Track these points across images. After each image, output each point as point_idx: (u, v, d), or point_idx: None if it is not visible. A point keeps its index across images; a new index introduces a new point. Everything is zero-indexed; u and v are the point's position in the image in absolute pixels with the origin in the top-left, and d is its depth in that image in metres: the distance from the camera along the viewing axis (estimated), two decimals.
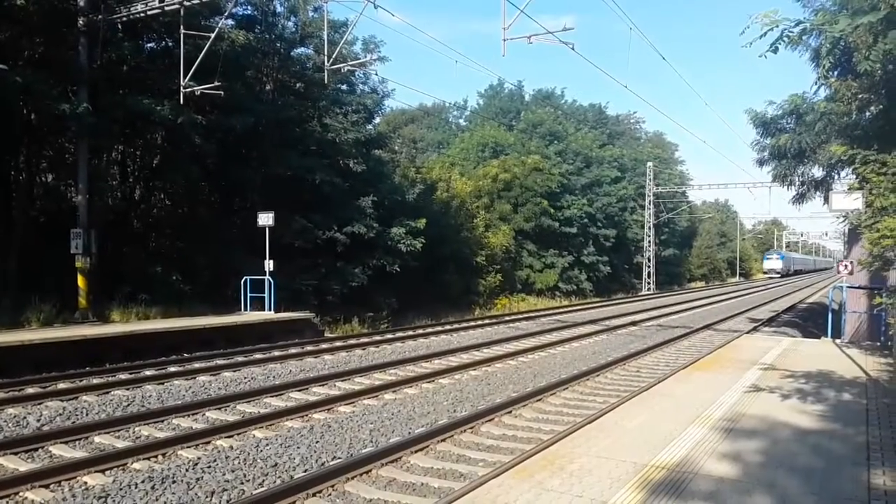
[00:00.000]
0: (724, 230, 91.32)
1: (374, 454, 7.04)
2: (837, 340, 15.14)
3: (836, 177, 19.33)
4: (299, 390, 10.70)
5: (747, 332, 19.74)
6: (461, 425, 8.43)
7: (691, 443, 6.07)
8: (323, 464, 7.04)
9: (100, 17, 16.49)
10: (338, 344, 16.14)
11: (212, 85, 16.70)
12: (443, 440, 7.91)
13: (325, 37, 19.63)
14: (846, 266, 15.13)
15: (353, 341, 16.75)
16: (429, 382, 11.53)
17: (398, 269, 25.17)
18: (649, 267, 51.41)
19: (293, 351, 14.84)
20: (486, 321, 23.34)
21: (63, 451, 7.27)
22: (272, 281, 18.51)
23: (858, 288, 16.20)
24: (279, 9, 25.11)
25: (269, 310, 18.45)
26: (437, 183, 34.66)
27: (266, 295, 18.48)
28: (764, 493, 4.77)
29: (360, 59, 24.62)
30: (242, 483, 6.42)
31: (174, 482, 6.33)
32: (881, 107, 11.42)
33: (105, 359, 12.73)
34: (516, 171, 40.22)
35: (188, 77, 16.65)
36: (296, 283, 21.34)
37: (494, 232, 37.36)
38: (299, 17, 25.75)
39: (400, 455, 7.21)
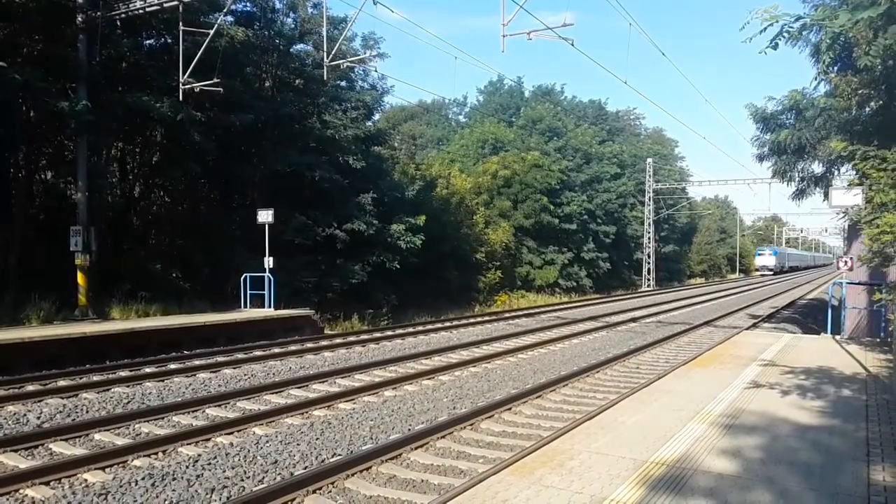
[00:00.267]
0: (723, 226, 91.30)
1: (374, 451, 7.05)
2: (837, 336, 15.15)
3: (836, 172, 19.31)
4: (299, 387, 10.71)
5: (747, 329, 19.74)
6: (461, 422, 8.44)
7: (691, 439, 6.07)
8: (323, 460, 7.05)
9: (98, 13, 16.46)
10: (338, 341, 16.15)
11: (211, 82, 16.69)
12: (443, 437, 7.92)
13: (325, 33, 19.63)
14: (846, 262, 15.13)
15: (352, 338, 16.76)
16: (429, 379, 11.54)
17: (398, 266, 25.16)
18: (649, 263, 51.42)
19: (293, 348, 14.85)
20: (486, 318, 23.35)
21: (63, 449, 7.28)
22: (272, 278, 18.51)
23: (858, 284, 16.20)
24: (278, 5, 25.09)
25: (269, 307, 18.46)
26: (436, 180, 34.62)
27: (266, 292, 18.49)
28: (764, 489, 4.77)
29: (359, 55, 24.60)
30: (243, 480, 6.42)
31: (174, 479, 6.34)
32: (881, 102, 11.40)
33: (105, 356, 12.75)
34: (516, 168, 40.19)
35: (187, 74, 16.63)
36: (296, 280, 21.35)
37: (494, 228, 37.35)
38: (298, 14, 25.71)
39: (400, 452, 7.22)
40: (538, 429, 8.48)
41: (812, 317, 25.91)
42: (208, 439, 7.65)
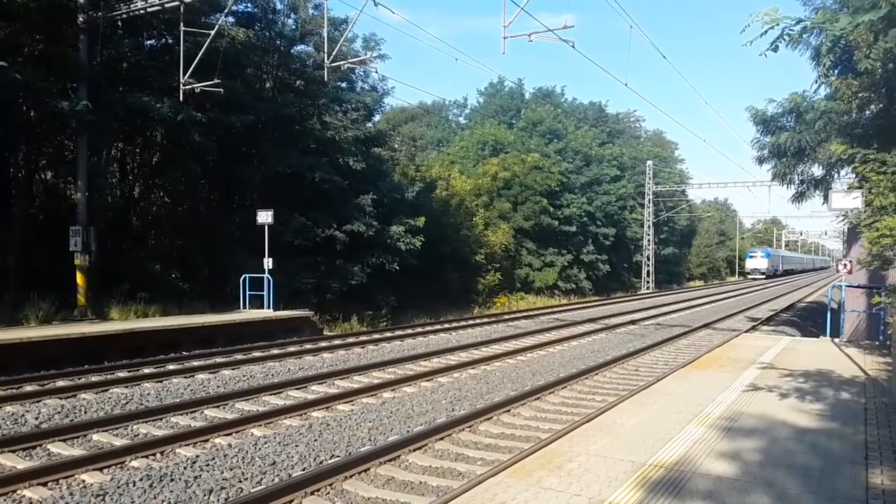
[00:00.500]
0: (723, 229, 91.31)
1: (372, 452, 7.04)
2: (836, 339, 15.15)
3: (836, 175, 19.31)
4: (298, 389, 10.70)
5: (746, 331, 19.73)
6: (460, 424, 8.43)
7: (690, 441, 6.06)
8: (321, 462, 7.04)
9: (100, 14, 16.48)
10: (337, 342, 16.14)
11: (212, 82, 16.69)
12: (441, 439, 7.91)
13: (325, 34, 19.63)
14: (845, 265, 15.13)
15: (352, 340, 16.74)
16: (427, 381, 11.52)
17: (397, 268, 25.17)
18: (648, 266, 51.41)
19: (292, 349, 14.84)
20: (485, 320, 23.33)
21: (61, 449, 7.27)
22: (271, 279, 18.51)
23: (857, 287, 16.21)
24: (279, 6, 25.12)
25: (269, 308, 18.45)
26: (436, 181, 34.64)
27: (265, 293, 18.48)
28: (762, 492, 4.77)
29: (360, 56, 24.63)
30: (241, 481, 6.41)
31: (172, 480, 6.33)
32: (881, 105, 11.41)
33: (104, 356, 12.74)
34: (516, 170, 40.22)
35: (188, 74, 16.64)
36: (295, 281, 21.35)
37: (494, 230, 37.36)
38: (299, 15, 25.75)
39: (398, 453, 7.21)
40: (537, 431, 8.47)
41: (811, 320, 25.91)
42: (207, 440, 7.63)
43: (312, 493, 6.06)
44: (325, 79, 20.84)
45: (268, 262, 18.52)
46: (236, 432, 7.98)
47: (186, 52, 16.73)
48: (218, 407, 9.35)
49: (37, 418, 8.49)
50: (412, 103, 62.28)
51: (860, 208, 11.64)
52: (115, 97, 17.81)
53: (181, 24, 16.48)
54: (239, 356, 13.57)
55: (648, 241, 51.46)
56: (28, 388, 10.12)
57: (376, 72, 27.41)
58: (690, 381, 9.27)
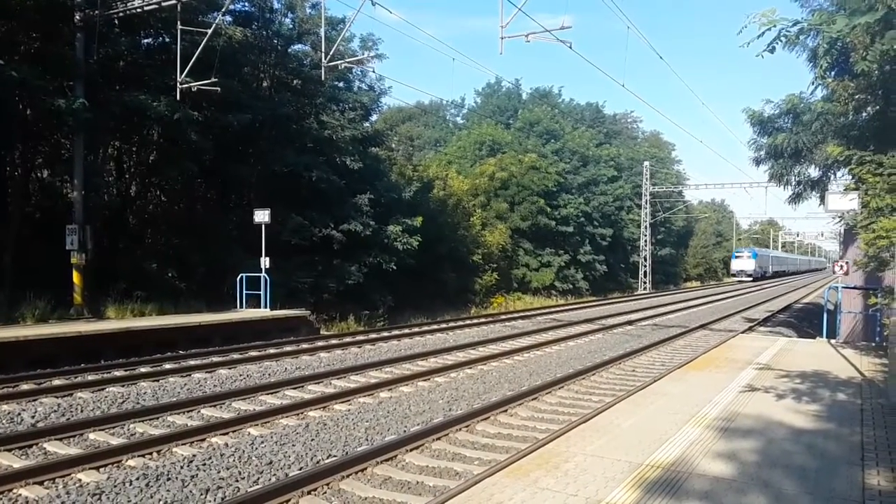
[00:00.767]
0: (720, 230, 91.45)
1: (369, 452, 7.03)
2: (833, 340, 15.18)
3: (833, 177, 19.39)
4: (295, 388, 10.69)
5: (743, 332, 19.78)
6: (457, 424, 8.43)
7: (686, 442, 6.07)
8: (318, 462, 7.03)
9: (96, 12, 16.43)
10: (333, 342, 16.13)
11: (209, 81, 16.66)
12: (438, 438, 7.91)
13: (323, 34, 19.57)
14: (842, 266, 15.17)
15: (348, 339, 16.74)
16: (424, 381, 11.52)
17: (394, 267, 25.16)
18: (645, 266, 51.48)
19: (289, 348, 14.82)
20: (482, 320, 23.34)
21: (57, 448, 7.25)
22: (268, 278, 18.49)
23: (854, 288, 16.25)
24: (276, 5, 25.11)
25: (265, 307, 18.43)
26: (433, 181, 34.64)
27: (262, 292, 18.46)
28: (759, 493, 4.78)
29: (357, 56, 24.61)
30: (237, 481, 6.40)
31: (169, 479, 6.32)
32: (878, 107, 11.46)
33: (100, 355, 12.72)
34: (513, 170, 40.23)
35: (185, 73, 16.61)
36: (292, 280, 21.33)
37: (491, 230, 37.37)
38: (296, 14, 25.72)
39: (395, 453, 7.21)
40: (534, 431, 8.47)
41: (808, 321, 25.98)
42: (203, 439, 7.62)
43: (309, 493, 6.05)
44: (323, 78, 20.82)
45: (264, 262, 18.51)
46: (233, 432, 7.97)
47: (183, 50, 16.69)
48: (214, 406, 9.34)
49: (33, 417, 8.47)
50: (409, 103, 62.41)
51: (856, 210, 11.68)
52: (112, 96, 17.76)
53: (178, 23, 16.44)
54: (236, 355, 13.55)
55: (645, 241, 51.53)
56: (24, 386, 10.10)
57: (374, 71, 27.44)
58: (687, 382, 9.28)
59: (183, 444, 7.37)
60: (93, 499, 5.82)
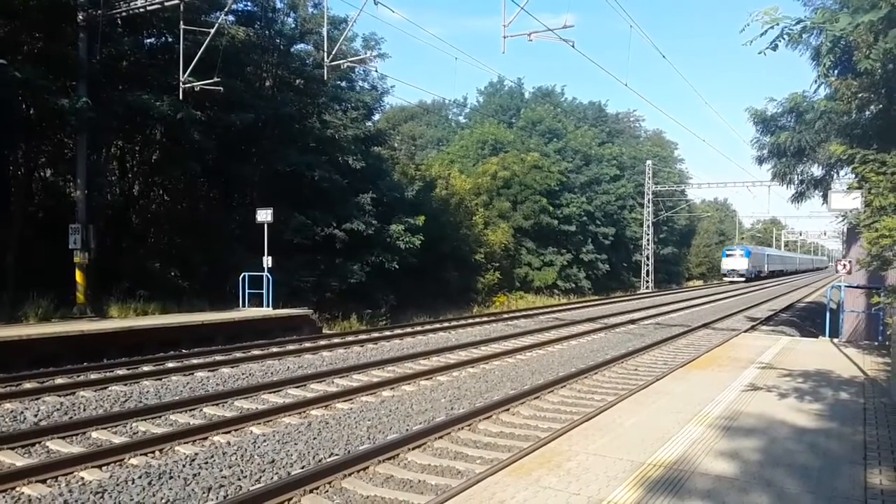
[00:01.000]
0: (722, 229, 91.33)
1: (371, 451, 7.04)
2: (835, 339, 15.15)
3: (836, 176, 19.33)
4: (297, 387, 10.70)
5: (745, 331, 19.75)
6: (459, 422, 8.43)
7: (689, 441, 6.07)
8: (320, 460, 7.04)
9: (99, 12, 16.46)
10: (336, 341, 16.14)
11: (211, 81, 16.68)
12: (440, 437, 7.91)
13: (325, 33, 19.62)
14: (844, 265, 15.14)
15: (351, 338, 16.75)
16: (427, 380, 11.53)
17: (397, 267, 25.17)
18: (648, 265, 51.43)
19: (291, 347, 14.84)
20: (485, 319, 23.33)
21: (60, 447, 7.27)
22: (270, 277, 18.51)
23: (857, 287, 16.21)
24: (279, 5, 25.14)
25: (268, 306, 18.45)
26: (436, 180, 34.64)
27: (264, 291, 18.48)
28: (761, 492, 4.77)
29: (359, 55, 24.60)
30: (240, 479, 6.41)
31: (171, 478, 6.33)
32: (881, 106, 11.41)
33: (103, 354, 12.73)
34: (515, 169, 40.22)
35: (188, 73, 16.63)
36: (294, 279, 21.35)
37: (493, 229, 37.36)
38: (299, 13, 25.74)
39: (397, 452, 7.21)
40: (536, 430, 8.47)
41: (810, 320, 25.92)
42: (206, 438, 7.63)
43: (311, 492, 6.06)
44: (325, 77, 20.83)
45: (267, 261, 18.52)
46: (235, 430, 7.98)
47: (186, 50, 16.72)
48: (217, 405, 9.36)
49: (36, 415, 8.49)
50: (412, 102, 62.38)
51: (859, 209, 11.64)
52: (115, 95, 17.80)
53: (181, 23, 16.46)
54: (238, 354, 13.57)
55: (648, 240, 51.47)
56: (27, 385, 10.13)
57: (376, 71, 27.49)
58: (689, 381, 9.27)
59: (185, 443, 7.39)
60: (95, 497, 5.84)
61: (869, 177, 9.50)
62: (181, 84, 16.79)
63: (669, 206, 57.56)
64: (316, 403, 9.33)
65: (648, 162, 52.81)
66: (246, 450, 7.23)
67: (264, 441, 7.58)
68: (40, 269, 16.58)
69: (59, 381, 10.55)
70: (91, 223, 16.45)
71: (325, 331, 19.41)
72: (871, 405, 7.86)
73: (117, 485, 6.10)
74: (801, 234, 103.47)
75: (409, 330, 18.88)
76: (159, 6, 16.43)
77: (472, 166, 43.29)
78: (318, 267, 22.73)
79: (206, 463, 6.77)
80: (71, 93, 16.52)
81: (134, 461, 6.80)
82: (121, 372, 11.43)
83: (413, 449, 7.42)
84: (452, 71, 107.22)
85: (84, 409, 8.92)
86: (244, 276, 18.79)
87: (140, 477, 6.29)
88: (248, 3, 24.09)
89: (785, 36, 5.70)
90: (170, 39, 19.35)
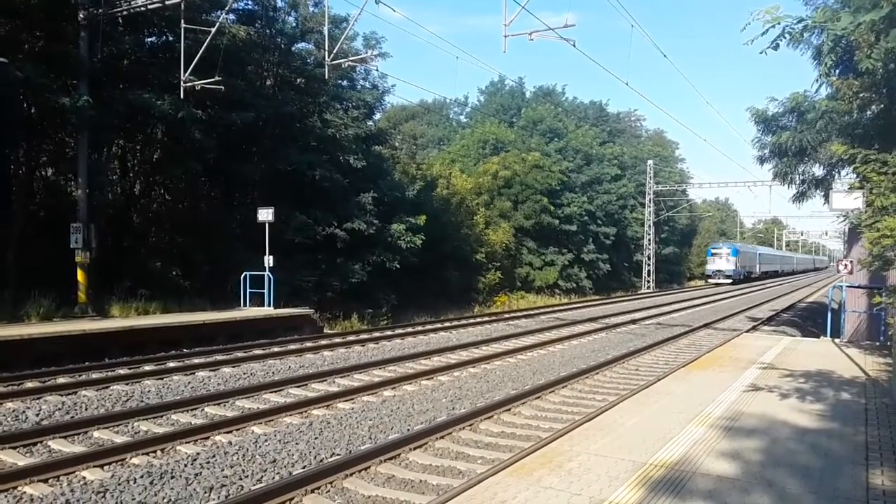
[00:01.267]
0: (723, 229, 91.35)
1: (372, 451, 7.04)
2: (837, 340, 15.15)
3: (837, 175, 19.31)
4: (298, 386, 10.71)
5: (746, 331, 19.73)
6: (460, 422, 8.43)
7: (690, 441, 6.06)
8: (322, 460, 7.04)
9: (100, 10, 16.45)
10: (337, 340, 16.15)
11: (212, 80, 16.67)
12: (441, 437, 7.91)
13: (326, 32, 19.61)
14: (846, 265, 15.13)
15: (352, 338, 16.75)
16: (428, 379, 11.53)
17: (398, 266, 25.16)
18: (649, 265, 51.41)
19: (292, 347, 14.84)
20: (486, 318, 23.34)
21: (62, 446, 7.28)
22: (272, 277, 18.51)
23: (858, 287, 16.19)
24: (280, 3, 25.10)
25: (269, 306, 18.45)
26: (437, 180, 34.64)
27: (266, 291, 18.49)
28: (763, 492, 4.77)
29: (360, 54, 24.58)
30: (241, 479, 6.42)
31: (173, 477, 6.33)
32: (882, 106, 11.39)
33: (104, 354, 12.74)
34: (516, 168, 40.21)
35: (189, 72, 16.63)
36: (295, 279, 21.35)
37: (494, 229, 37.35)
38: (300, 13, 25.72)
39: (399, 452, 7.22)
40: (537, 430, 8.47)
41: (812, 320, 25.90)
42: (207, 438, 7.64)
43: (313, 491, 6.06)
44: (326, 76, 20.81)
45: (268, 260, 18.53)
46: (237, 430, 7.99)
47: (187, 49, 16.71)
48: (218, 404, 9.36)
49: (37, 415, 8.50)
50: (413, 101, 62.43)
51: (861, 209, 11.63)
52: (116, 94, 17.80)
53: (182, 22, 16.45)
54: (239, 354, 13.58)
55: (649, 240, 51.45)
56: (29, 384, 10.14)
57: (377, 70, 27.47)
58: (691, 381, 9.27)
59: (187, 443, 7.39)
60: (97, 497, 5.84)
61: (870, 177, 9.49)
62: (182, 83, 16.79)
63: (670, 205, 57.53)
64: (317, 403, 9.34)
65: (649, 161, 52.79)
66: (247, 449, 7.23)
67: (266, 441, 7.58)
68: (41, 268, 16.59)
69: (61, 380, 10.56)
70: (92, 222, 16.45)
71: (327, 330, 19.42)
72: (873, 405, 7.85)
73: (119, 484, 6.10)
74: (802, 234, 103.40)
75: (410, 330, 18.88)
76: (160, 5, 16.42)
77: (473, 166, 43.28)
78: (319, 266, 22.73)
79: (208, 462, 6.78)
80: (72, 91, 16.52)
81: (135, 461, 6.80)
82: (122, 371, 11.44)
83: (414, 449, 7.42)
84: (453, 70, 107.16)
85: (86, 409, 8.93)
86: (245, 275, 18.79)
87: (142, 476, 6.29)
88: (249, 2, 24.10)
89: (786, 35, 5.71)
90: (171, 38, 19.34)
